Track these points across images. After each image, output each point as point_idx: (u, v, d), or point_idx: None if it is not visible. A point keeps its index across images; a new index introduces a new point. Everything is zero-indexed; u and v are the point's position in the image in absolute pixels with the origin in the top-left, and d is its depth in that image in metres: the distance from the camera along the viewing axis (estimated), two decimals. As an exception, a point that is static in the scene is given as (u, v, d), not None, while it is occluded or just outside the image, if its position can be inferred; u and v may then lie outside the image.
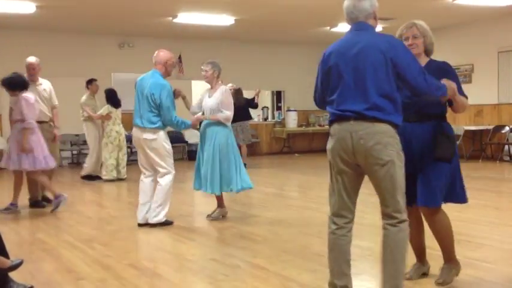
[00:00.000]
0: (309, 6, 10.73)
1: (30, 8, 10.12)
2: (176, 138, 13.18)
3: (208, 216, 6.23)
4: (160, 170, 5.76)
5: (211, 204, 6.43)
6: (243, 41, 14.82)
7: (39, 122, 6.93)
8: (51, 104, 7.30)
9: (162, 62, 5.77)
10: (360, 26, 3.12)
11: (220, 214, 6.24)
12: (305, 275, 3.94)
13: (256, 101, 11.97)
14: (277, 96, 16.63)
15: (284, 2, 10.32)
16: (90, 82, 10.43)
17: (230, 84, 11.76)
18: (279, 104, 16.45)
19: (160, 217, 5.79)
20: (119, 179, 9.87)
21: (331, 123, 3.16)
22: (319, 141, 16.25)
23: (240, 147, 11.87)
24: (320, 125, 15.96)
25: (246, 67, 14.95)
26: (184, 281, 3.96)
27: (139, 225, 5.83)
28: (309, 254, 4.57)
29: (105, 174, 9.85)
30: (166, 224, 5.82)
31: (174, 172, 5.84)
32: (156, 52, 5.87)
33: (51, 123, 7.31)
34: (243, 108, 11.60)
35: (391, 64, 2.97)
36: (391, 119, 3.00)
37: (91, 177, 10.03)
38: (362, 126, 2.97)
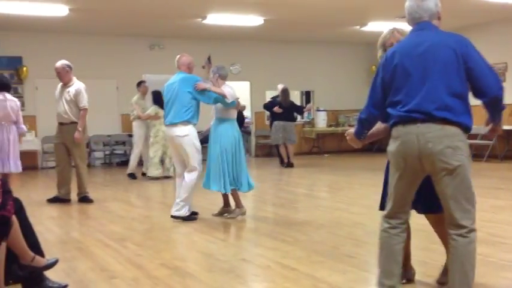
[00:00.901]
0: (338, 5, 10.68)
1: (63, 11, 10.30)
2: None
3: (217, 215, 6.34)
4: (190, 165, 6.02)
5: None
6: (271, 41, 14.82)
7: (59, 124, 7.45)
8: (78, 106, 7.42)
9: (185, 64, 6.20)
10: (424, 25, 3.02)
11: (239, 213, 6.26)
12: (336, 276, 3.92)
13: (303, 110, 12.91)
14: (307, 96, 16.58)
15: (313, 1, 10.28)
16: (139, 84, 10.85)
17: (280, 85, 11.96)
18: (308, 104, 16.39)
19: (183, 212, 6.06)
20: (166, 177, 10.04)
21: (394, 124, 3.01)
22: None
23: (277, 147, 12.04)
24: (350, 125, 15.81)
25: (274, 67, 14.94)
26: (216, 280, 3.98)
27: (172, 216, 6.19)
28: (340, 255, 4.54)
29: (150, 172, 10.09)
30: (189, 219, 6.05)
31: (200, 169, 6.05)
32: (178, 56, 6.30)
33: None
34: (288, 109, 11.74)
35: (462, 60, 2.84)
36: (462, 120, 2.86)
37: (133, 176, 10.37)
38: (430, 128, 2.85)
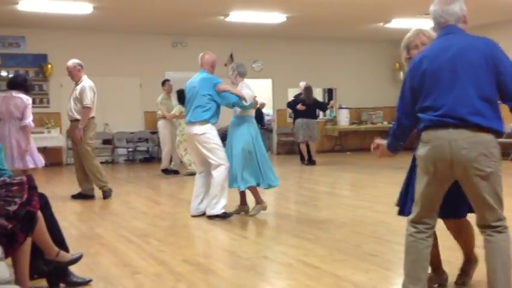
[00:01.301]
0: (362, 1, 10.60)
1: (87, 9, 10.41)
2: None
3: (234, 213, 6.28)
4: (212, 162, 6.01)
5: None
6: (294, 38, 14.78)
7: (70, 121, 7.58)
8: (82, 104, 7.41)
9: (209, 63, 6.23)
10: (451, 29, 2.97)
11: (260, 209, 6.27)
12: (358, 275, 3.90)
13: (327, 107, 12.88)
14: (329, 93, 16.50)
15: (336, -1, 10.23)
16: (164, 83, 10.94)
17: (303, 82, 11.95)
18: (331, 101, 16.30)
19: (217, 210, 5.99)
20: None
21: (424, 129, 2.97)
22: (372, 139, 15.81)
23: (299, 144, 12.02)
24: (372, 123, 15.73)
25: (297, 65, 14.90)
26: (238, 277, 3.99)
27: (193, 216, 6.16)
28: (362, 253, 4.51)
29: (185, 170, 10.30)
30: (224, 216, 6.01)
31: (227, 164, 6.01)
32: (202, 54, 6.29)
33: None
34: (311, 106, 11.72)
35: (492, 64, 2.81)
36: (494, 125, 2.82)
37: (167, 171, 10.55)
38: (463, 135, 2.81)
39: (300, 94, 12.03)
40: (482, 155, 2.81)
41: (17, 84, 7.17)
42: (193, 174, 9.99)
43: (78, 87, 7.46)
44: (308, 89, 11.75)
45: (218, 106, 6.12)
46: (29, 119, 7.01)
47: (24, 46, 12.55)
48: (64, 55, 12.63)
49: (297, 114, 11.86)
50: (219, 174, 5.98)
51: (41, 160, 7.46)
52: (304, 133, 11.72)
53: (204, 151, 6.03)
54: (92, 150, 7.57)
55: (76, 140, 7.44)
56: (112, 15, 11.31)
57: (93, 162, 7.54)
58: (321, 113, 16.14)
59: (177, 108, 10.20)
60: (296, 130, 11.91)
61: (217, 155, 6.01)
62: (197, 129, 6.01)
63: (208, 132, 6.01)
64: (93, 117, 7.55)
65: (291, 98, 13.22)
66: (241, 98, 6.00)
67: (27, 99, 7.04)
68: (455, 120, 2.82)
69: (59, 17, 11.08)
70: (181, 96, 10.16)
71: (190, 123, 6.09)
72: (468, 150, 2.80)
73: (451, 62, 2.87)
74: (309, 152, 11.94)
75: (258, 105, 6.53)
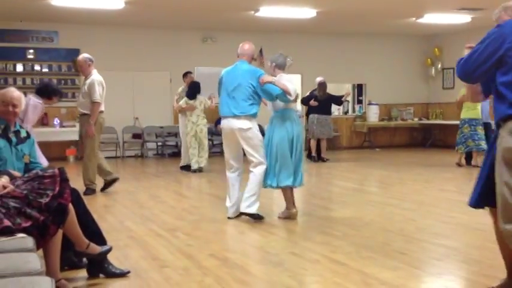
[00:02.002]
0: (393, -3, 10.47)
1: (119, 4, 10.52)
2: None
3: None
4: (254, 160, 5.72)
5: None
6: (324, 33, 14.69)
7: (80, 115, 7.69)
8: (91, 99, 7.41)
9: (250, 54, 5.89)
10: None
11: (287, 215, 5.91)
12: (386, 273, 3.87)
13: (342, 100, 12.16)
14: (359, 89, 16.36)
15: (367, -6, 10.12)
16: (185, 75, 10.93)
17: (319, 78, 11.84)
18: (360, 98, 16.17)
19: (254, 209, 5.72)
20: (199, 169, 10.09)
21: None
22: (401, 136, 15.87)
23: (309, 141, 11.88)
24: (403, 119, 15.55)
25: (326, 60, 14.80)
26: (265, 273, 4.00)
27: (229, 218, 5.90)
28: (390, 251, 4.47)
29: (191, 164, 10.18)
30: (258, 218, 5.76)
31: (266, 163, 5.76)
32: (242, 44, 5.96)
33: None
34: (324, 102, 11.56)
35: None
36: None
37: (188, 168, 10.28)
38: None
39: (314, 90, 11.90)
40: None
41: (36, 89, 7.17)
42: (194, 170, 9.91)
43: (88, 81, 7.48)
44: (322, 85, 11.57)
45: (260, 99, 5.82)
46: (28, 124, 6.39)
47: (57, 41, 12.76)
48: (96, 50, 12.82)
49: (310, 110, 11.75)
50: (260, 172, 5.72)
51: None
52: (316, 129, 11.58)
53: (247, 147, 5.72)
54: (97, 146, 7.56)
55: (86, 134, 7.44)
56: (143, 11, 11.40)
57: (92, 158, 7.48)
58: (350, 109, 16.08)
59: (183, 101, 10.11)
60: (309, 126, 11.80)
61: (260, 152, 5.73)
62: (242, 123, 5.64)
63: (254, 128, 5.71)
64: (101, 112, 7.55)
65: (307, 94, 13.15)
66: (285, 91, 5.58)
67: (32, 101, 6.70)
68: None
69: (92, 12, 11.23)
70: (194, 90, 10.14)
71: (235, 116, 5.67)
72: None
73: None
74: (320, 148, 11.80)
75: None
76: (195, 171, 9.99)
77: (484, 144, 9.73)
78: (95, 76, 7.55)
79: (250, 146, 5.72)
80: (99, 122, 7.57)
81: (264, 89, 5.66)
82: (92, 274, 3.88)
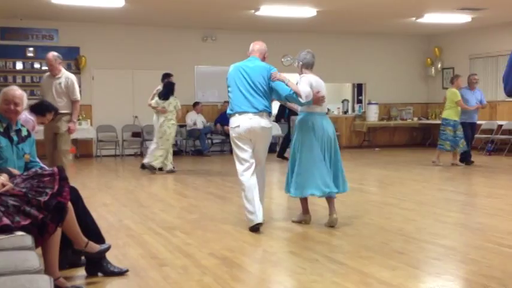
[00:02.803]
0: (393, -3, 10.47)
1: (119, 3, 10.51)
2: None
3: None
4: (263, 161, 5.47)
5: (286, 197, 6.43)
6: (324, 32, 14.69)
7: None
8: (71, 98, 7.28)
9: (263, 52, 5.49)
10: None
11: (301, 218, 5.66)
12: (385, 272, 3.87)
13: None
14: (358, 89, 16.36)
15: (367, -7, 10.12)
16: (166, 76, 10.42)
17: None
18: (360, 97, 16.18)
19: (261, 217, 5.29)
20: (160, 169, 9.83)
21: None
22: (401, 135, 15.87)
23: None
24: (402, 119, 15.56)
25: (326, 59, 14.76)
26: (263, 272, 4.00)
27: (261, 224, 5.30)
28: (389, 251, 4.48)
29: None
30: (256, 230, 5.29)
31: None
32: (254, 43, 5.62)
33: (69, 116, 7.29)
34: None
35: None
36: None
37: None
38: None
39: None
40: None
41: (31, 107, 7.03)
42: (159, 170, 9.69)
43: (62, 80, 7.28)
44: None
45: (270, 95, 5.37)
46: None
47: (57, 39, 12.76)
48: (96, 48, 12.90)
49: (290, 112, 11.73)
50: (264, 175, 5.53)
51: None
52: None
53: (265, 147, 5.40)
54: (69, 144, 7.48)
55: (63, 131, 7.22)
56: (143, 9, 11.40)
57: (68, 155, 7.43)
58: (349, 109, 16.07)
59: (154, 101, 9.85)
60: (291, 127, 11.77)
61: (266, 153, 5.49)
62: (265, 121, 5.23)
63: (272, 126, 5.42)
64: None
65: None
66: (297, 93, 5.13)
67: (25, 116, 6.12)
68: None
69: (92, 10, 11.22)
70: (168, 91, 9.77)
71: (257, 113, 5.20)
72: None
73: None
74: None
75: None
76: (159, 169, 9.78)
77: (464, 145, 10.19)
78: (70, 75, 7.40)
79: (267, 146, 5.42)
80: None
81: (273, 86, 5.26)
82: (90, 273, 3.88)
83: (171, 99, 9.84)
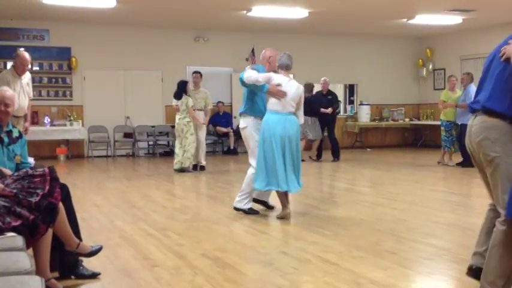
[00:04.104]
0: (385, -2, 10.51)
1: (111, 3, 10.48)
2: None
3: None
4: (249, 160, 6.03)
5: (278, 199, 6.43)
6: (315, 33, 14.71)
7: (16, 117, 6.64)
8: (29, 96, 7.12)
9: (265, 58, 6.00)
10: None
11: (281, 214, 5.88)
12: (377, 273, 3.88)
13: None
14: (350, 89, 16.40)
15: (359, -6, 10.15)
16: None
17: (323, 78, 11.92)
18: (352, 98, 16.23)
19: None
20: (194, 167, 10.05)
21: None
22: (393, 136, 15.93)
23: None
24: (394, 120, 15.61)
25: (318, 60, 14.83)
26: (255, 272, 4.00)
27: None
28: (381, 251, 4.49)
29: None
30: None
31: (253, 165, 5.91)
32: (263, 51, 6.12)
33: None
34: (309, 103, 11.56)
35: None
36: None
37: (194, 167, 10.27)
38: None
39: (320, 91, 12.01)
40: None
41: None
42: (178, 171, 9.88)
43: (27, 80, 7.09)
44: (306, 86, 11.57)
45: (252, 96, 5.95)
46: None
47: (48, 39, 12.70)
48: (87, 48, 12.85)
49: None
50: (250, 173, 6.02)
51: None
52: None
53: (247, 145, 6.14)
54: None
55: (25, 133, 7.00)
56: (135, 9, 11.37)
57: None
58: (341, 110, 16.08)
59: (174, 101, 10.11)
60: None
61: (254, 151, 5.97)
62: (241, 123, 6.11)
63: (249, 126, 6.03)
64: None
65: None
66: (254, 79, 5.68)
67: None
68: None
69: (83, 10, 11.18)
70: (180, 89, 9.97)
71: (240, 115, 6.11)
72: None
73: None
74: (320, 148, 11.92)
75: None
76: (177, 170, 9.95)
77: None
78: (29, 74, 7.22)
79: (247, 144, 6.06)
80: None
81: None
82: (64, 275, 3.78)
83: (184, 98, 9.96)
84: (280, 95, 5.60)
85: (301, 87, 5.86)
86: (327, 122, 11.82)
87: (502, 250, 3.06)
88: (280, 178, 5.60)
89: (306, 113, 11.33)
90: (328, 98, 11.83)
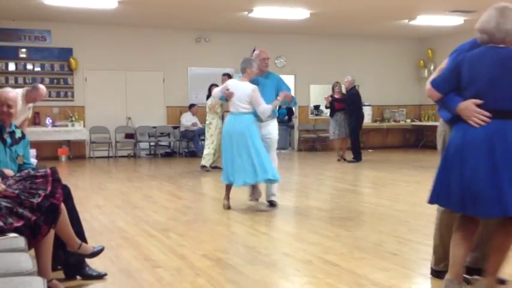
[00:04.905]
0: (386, -1, 10.51)
1: (112, 4, 10.49)
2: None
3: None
4: None
5: (283, 199, 6.46)
6: (317, 34, 14.72)
7: None
8: None
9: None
10: None
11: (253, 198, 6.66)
12: (378, 274, 3.88)
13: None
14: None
15: (361, -5, 10.15)
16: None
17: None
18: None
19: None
20: (215, 167, 10.09)
21: None
22: (394, 137, 15.92)
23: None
24: (395, 121, 15.61)
25: (320, 61, 14.84)
26: (257, 273, 4.00)
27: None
28: (383, 252, 4.49)
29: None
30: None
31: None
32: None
33: None
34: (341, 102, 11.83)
35: None
36: None
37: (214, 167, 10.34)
38: None
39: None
40: None
41: None
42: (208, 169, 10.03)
43: (30, 104, 7.05)
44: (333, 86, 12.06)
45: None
46: None
47: (50, 40, 12.72)
48: (89, 49, 12.86)
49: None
50: None
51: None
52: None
53: None
54: None
55: None
56: (136, 10, 11.39)
57: None
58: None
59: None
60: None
61: None
62: None
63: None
64: None
65: (312, 94, 13.17)
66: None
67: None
68: None
69: (85, 11, 11.20)
70: (209, 91, 10.46)
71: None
72: None
73: None
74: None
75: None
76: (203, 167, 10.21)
77: None
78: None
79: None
80: None
81: None
82: (69, 276, 3.80)
83: (209, 99, 10.21)
84: (229, 96, 6.19)
85: (248, 89, 6.16)
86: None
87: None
88: (228, 172, 6.18)
89: (347, 110, 11.71)
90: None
